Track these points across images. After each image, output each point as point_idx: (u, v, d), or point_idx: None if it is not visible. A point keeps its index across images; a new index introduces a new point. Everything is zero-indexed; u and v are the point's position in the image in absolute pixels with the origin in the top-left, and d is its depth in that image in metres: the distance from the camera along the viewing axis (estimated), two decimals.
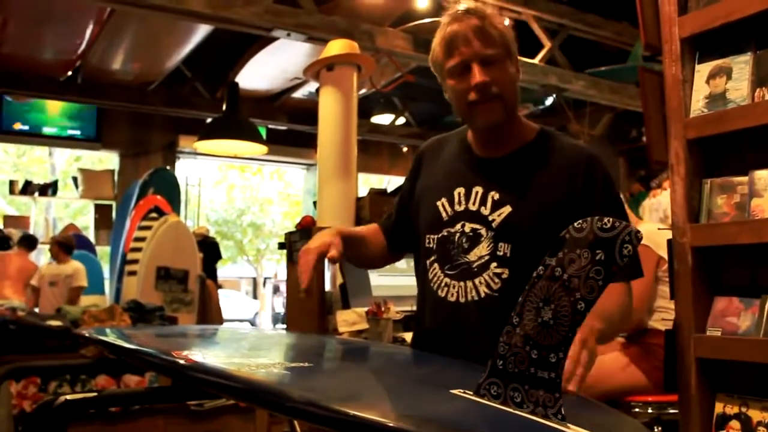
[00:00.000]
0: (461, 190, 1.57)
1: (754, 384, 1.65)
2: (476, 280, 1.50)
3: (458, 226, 1.55)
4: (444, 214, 1.58)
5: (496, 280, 1.48)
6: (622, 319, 1.47)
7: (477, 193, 1.55)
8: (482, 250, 1.51)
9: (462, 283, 1.52)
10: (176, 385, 1.78)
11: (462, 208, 1.56)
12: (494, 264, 1.49)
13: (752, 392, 1.64)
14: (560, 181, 1.50)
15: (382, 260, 1.83)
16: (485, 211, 1.53)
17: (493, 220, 1.51)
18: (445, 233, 1.56)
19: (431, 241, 1.59)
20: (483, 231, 1.51)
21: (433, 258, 1.58)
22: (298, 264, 1.45)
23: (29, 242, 6.88)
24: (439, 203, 1.59)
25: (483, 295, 1.49)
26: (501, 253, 1.49)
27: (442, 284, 1.55)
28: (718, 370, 1.72)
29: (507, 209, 1.50)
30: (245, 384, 1.04)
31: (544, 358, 0.90)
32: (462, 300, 1.51)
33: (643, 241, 2.24)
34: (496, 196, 1.52)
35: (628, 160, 8.32)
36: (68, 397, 1.50)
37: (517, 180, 1.54)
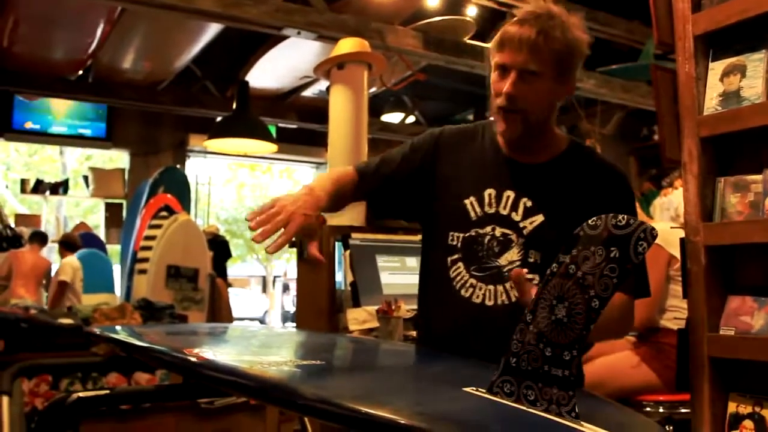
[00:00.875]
0: (492, 191, 1.56)
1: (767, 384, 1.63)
2: (507, 285, 1.50)
3: (488, 229, 1.53)
4: (473, 214, 1.55)
5: None
6: (618, 324, 1.47)
7: (509, 197, 1.54)
8: (513, 255, 1.51)
9: (492, 287, 1.51)
10: (187, 382, 1.78)
11: (493, 210, 1.54)
12: (525, 270, 1.45)
13: (766, 392, 1.63)
14: (591, 197, 1.52)
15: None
16: (516, 217, 1.53)
17: (525, 227, 1.51)
18: (473, 233, 1.54)
19: (455, 238, 1.56)
20: (513, 237, 1.51)
21: (457, 256, 1.56)
22: (268, 219, 1.38)
23: (41, 238, 6.91)
24: (467, 201, 1.56)
25: (514, 299, 1.48)
26: (531, 260, 1.50)
27: (467, 285, 1.53)
28: (731, 369, 1.71)
29: (539, 218, 1.51)
30: (257, 381, 1.04)
31: (558, 355, 0.90)
32: (489, 303, 1.51)
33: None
34: (529, 204, 1.52)
35: (639, 158, 8.28)
36: (81, 394, 1.50)
37: (550, 190, 1.54)
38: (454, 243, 1.56)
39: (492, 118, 1.59)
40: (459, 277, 1.54)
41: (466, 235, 1.55)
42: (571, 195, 1.53)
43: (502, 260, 1.51)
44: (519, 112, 1.49)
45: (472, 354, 1.48)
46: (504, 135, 1.54)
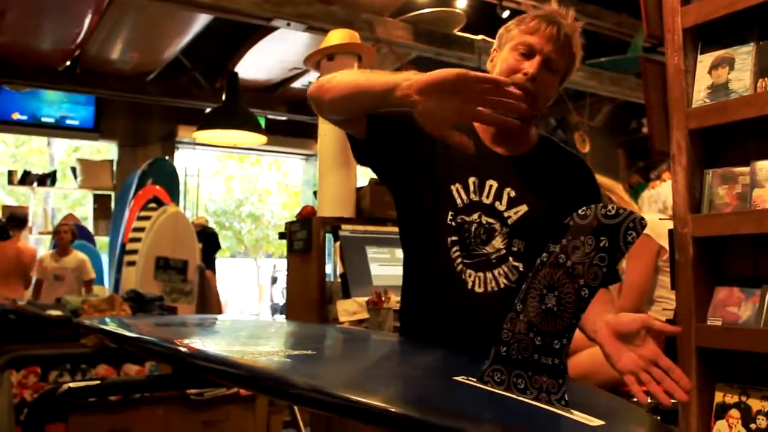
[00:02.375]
0: (474, 179, 1.55)
1: (754, 373, 1.65)
2: (495, 272, 1.52)
3: (475, 216, 1.53)
4: (459, 200, 1.55)
5: (514, 272, 1.51)
6: None
7: (491, 186, 1.55)
8: (498, 243, 1.53)
9: (481, 274, 1.52)
10: (177, 373, 1.78)
11: (477, 198, 1.54)
12: (511, 258, 1.52)
13: (752, 381, 1.65)
14: (565, 185, 1.59)
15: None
16: (500, 206, 1.54)
17: (509, 217, 1.53)
18: (460, 220, 1.54)
19: (453, 219, 1.54)
20: (497, 226, 1.53)
21: (454, 239, 1.54)
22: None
23: (17, 222, 6.81)
24: (453, 187, 1.56)
25: (503, 285, 1.51)
26: (515, 249, 1.52)
27: (463, 271, 1.53)
28: (718, 359, 1.72)
29: (524, 208, 1.53)
30: (248, 371, 1.04)
31: (548, 344, 0.91)
32: (479, 290, 1.51)
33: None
34: (513, 194, 1.54)
35: (627, 151, 8.32)
36: (71, 384, 1.50)
37: (530, 181, 1.57)
38: (452, 223, 1.54)
39: None
40: (459, 260, 1.53)
41: (457, 220, 1.54)
42: (548, 186, 1.58)
43: (489, 248, 1.53)
44: (531, 96, 1.51)
45: (460, 339, 1.49)
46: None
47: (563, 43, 1.52)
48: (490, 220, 1.53)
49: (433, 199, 1.57)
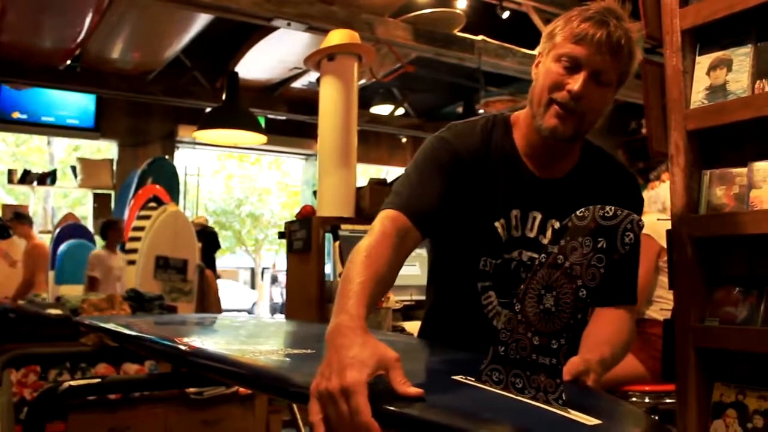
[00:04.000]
0: (517, 212, 1.43)
1: (751, 373, 1.66)
2: None
3: (515, 254, 1.43)
4: (503, 237, 1.43)
5: None
6: (624, 348, 1.38)
7: (535, 219, 1.43)
8: None
9: None
10: (176, 372, 1.79)
11: (519, 233, 1.43)
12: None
13: (749, 381, 1.65)
14: (610, 202, 1.42)
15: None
16: (543, 238, 1.42)
17: None
18: (503, 259, 1.43)
19: (488, 264, 1.44)
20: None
21: (488, 284, 1.44)
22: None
23: (25, 219, 6.79)
24: (497, 224, 1.43)
25: None
26: None
27: (500, 314, 1.44)
28: (715, 359, 1.73)
29: None
30: (248, 369, 1.05)
31: (546, 344, 0.91)
32: None
33: (645, 231, 2.27)
34: (557, 225, 1.40)
35: (627, 152, 8.27)
36: (72, 383, 1.51)
37: (576, 204, 1.35)
38: (487, 269, 1.44)
39: (505, 112, 1.51)
40: (491, 306, 1.44)
41: (498, 261, 1.43)
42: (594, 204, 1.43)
43: None
44: (576, 114, 1.36)
45: None
46: (551, 131, 1.37)
47: (615, 52, 1.33)
48: (534, 255, 1.41)
49: (473, 239, 1.44)
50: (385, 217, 1.34)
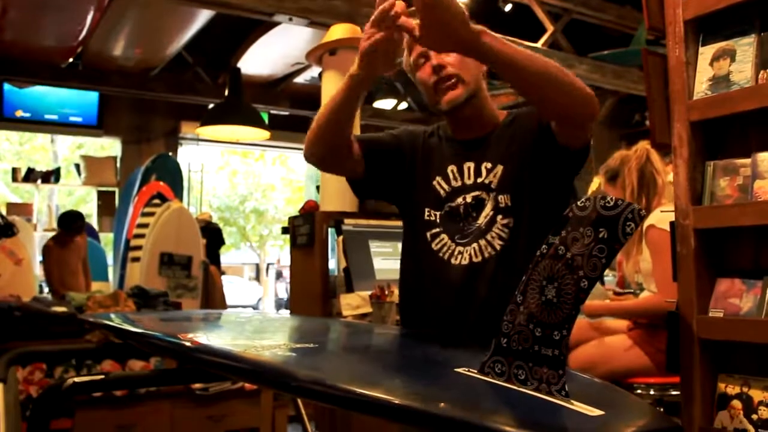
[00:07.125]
0: (453, 168, 1.70)
1: (755, 364, 1.66)
2: (488, 236, 1.61)
3: (459, 200, 1.67)
4: (441, 191, 1.70)
5: (506, 230, 1.59)
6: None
7: (469, 168, 1.69)
8: (488, 210, 1.62)
9: (475, 245, 1.61)
10: (182, 368, 1.79)
11: (459, 183, 1.69)
12: (499, 216, 1.61)
13: (754, 372, 1.65)
14: (522, 133, 1.66)
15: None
16: (480, 179, 1.66)
17: (491, 182, 1.64)
18: (447, 209, 1.68)
19: (432, 215, 1.70)
20: (484, 195, 1.64)
21: (438, 230, 1.69)
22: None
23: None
24: (434, 182, 1.71)
25: (499, 248, 1.60)
26: (503, 205, 1.61)
27: (455, 252, 1.65)
28: (720, 350, 1.73)
29: (500, 168, 1.64)
30: (252, 364, 1.06)
31: (548, 335, 0.91)
32: (477, 259, 1.60)
33: (660, 225, 2.37)
34: (489, 165, 1.66)
35: (630, 144, 8.29)
36: (77, 379, 1.51)
37: (501, 147, 1.67)
38: (432, 218, 1.69)
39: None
40: (446, 248, 1.66)
41: (442, 212, 1.69)
42: (514, 143, 1.66)
43: (480, 219, 1.63)
44: (453, 78, 1.64)
45: (467, 318, 1.58)
46: (449, 104, 1.67)
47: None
48: (476, 194, 1.65)
49: (417, 199, 1.74)
50: None
